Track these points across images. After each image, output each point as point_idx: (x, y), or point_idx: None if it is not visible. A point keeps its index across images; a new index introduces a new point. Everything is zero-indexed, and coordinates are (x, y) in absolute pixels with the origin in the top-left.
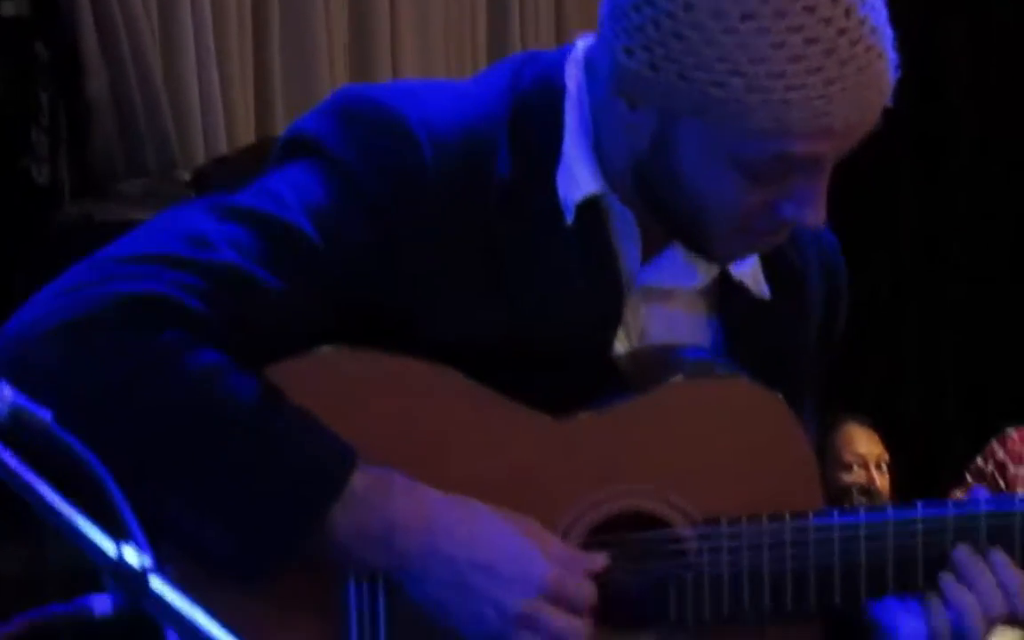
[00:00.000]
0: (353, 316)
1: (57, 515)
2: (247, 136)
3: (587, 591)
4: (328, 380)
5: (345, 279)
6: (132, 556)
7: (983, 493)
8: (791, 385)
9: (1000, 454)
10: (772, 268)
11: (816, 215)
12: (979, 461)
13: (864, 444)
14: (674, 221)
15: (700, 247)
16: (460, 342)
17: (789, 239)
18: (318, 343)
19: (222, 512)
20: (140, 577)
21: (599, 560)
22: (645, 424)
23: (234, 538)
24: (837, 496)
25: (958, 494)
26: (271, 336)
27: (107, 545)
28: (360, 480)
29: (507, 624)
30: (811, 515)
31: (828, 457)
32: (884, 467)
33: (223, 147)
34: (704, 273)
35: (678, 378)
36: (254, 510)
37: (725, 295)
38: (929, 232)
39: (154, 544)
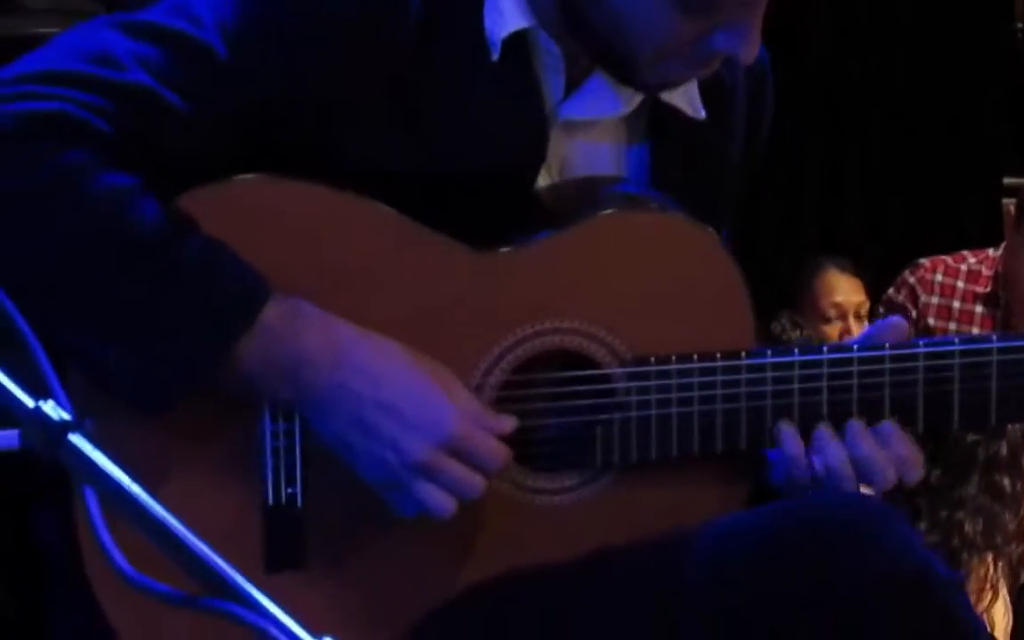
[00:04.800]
0: (264, 144)
1: None
2: None
3: (497, 451)
4: (245, 208)
5: (251, 99)
6: (51, 410)
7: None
8: (716, 208)
9: (911, 280)
10: (704, 87)
11: (749, 50)
12: (891, 291)
13: (843, 292)
14: (602, 49)
15: (627, 76)
16: (374, 178)
17: None
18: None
19: (126, 336)
20: (58, 430)
21: (507, 423)
22: (574, 258)
23: (136, 362)
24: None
25: None
26: (181, 161)
27: (26, 399)
28: (271, 313)
29: (405, 470)
30: (743, 354)
31: (806, 306)
32: (864, 316)
33: None
34: (628, 100)
35: (609, 211)
36: (159, 336)
37: (655, 120)
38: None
39: (72, 384)
